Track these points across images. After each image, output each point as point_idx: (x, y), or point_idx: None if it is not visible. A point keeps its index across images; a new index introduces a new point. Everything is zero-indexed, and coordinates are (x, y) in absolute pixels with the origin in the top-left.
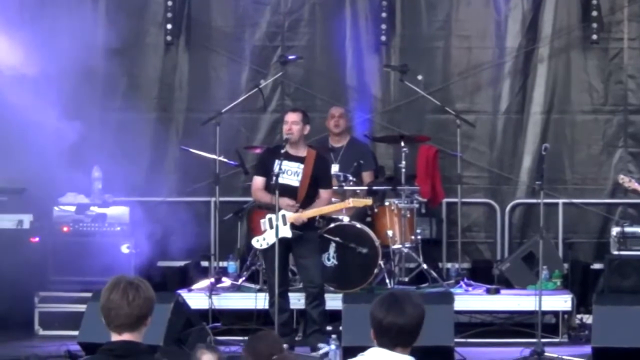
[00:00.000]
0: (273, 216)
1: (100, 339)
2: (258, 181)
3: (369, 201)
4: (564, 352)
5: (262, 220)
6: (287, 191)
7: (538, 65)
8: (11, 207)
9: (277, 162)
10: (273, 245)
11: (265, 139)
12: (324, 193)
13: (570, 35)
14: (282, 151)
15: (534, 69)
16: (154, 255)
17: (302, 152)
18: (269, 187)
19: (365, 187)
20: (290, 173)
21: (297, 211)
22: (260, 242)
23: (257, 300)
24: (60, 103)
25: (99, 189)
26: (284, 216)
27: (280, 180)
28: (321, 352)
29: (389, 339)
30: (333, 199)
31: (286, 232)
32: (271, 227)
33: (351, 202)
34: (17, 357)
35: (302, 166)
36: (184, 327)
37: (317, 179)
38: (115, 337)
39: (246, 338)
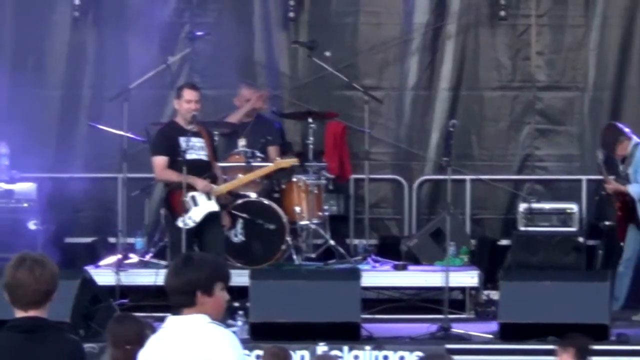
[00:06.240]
0: (196, 194)
1: (4, 316)
2: (162, 160)
3: (295, 160)
4: (471, 328)
5: (184, 199)
6: (200, 166)
7: (446, 41)
8: None
9: (182, 138)
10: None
11: (174, 115)
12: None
13: (479, 11)
14: (190, 127)
15: (442, 45)
16: (62, 232)
17: (196, 127)
18: (174, 165)
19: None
20: (197, 148)
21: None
22: (185, 222)
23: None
24: None
25: (5, 164)
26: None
27: (190, 156)
28: None
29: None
30: (239, 175)
31: (212, 207)
32: (195, 205)
33: (278, 163)
34: None
35: (202, 140)
36: (91, 304)
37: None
38: (20, 314)
39: (154, 314)
